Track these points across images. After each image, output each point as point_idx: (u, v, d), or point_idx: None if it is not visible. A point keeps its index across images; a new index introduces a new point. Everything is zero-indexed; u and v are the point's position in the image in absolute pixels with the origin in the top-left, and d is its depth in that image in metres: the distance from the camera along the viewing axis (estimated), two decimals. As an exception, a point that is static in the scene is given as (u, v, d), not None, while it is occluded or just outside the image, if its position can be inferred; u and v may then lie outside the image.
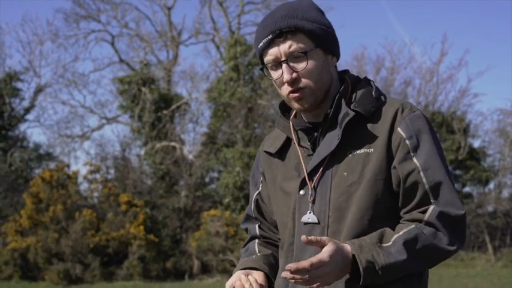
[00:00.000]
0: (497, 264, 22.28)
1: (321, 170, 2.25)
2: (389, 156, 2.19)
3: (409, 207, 2.18)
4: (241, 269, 2.35)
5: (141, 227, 20.85)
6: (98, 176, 23.22)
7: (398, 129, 2.19)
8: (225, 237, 20.87)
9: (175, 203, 23.29)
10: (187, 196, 23.59)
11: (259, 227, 2.53)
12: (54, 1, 42.01)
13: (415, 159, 2.17)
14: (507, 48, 41.63)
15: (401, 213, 2.21)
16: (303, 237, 2.03)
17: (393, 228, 2.17)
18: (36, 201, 20.85)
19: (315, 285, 2.05)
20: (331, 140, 2.24)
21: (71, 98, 35.23)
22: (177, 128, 26.63)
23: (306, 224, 2.24)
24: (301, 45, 2.21)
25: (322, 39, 2.24)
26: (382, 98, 2.28)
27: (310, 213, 2.24)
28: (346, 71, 2.39)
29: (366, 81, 2.34)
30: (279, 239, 2.41)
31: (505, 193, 25.67)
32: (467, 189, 25.40)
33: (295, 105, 2.27)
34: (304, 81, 2.22)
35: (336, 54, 2.32)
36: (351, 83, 2.32)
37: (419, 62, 37.56)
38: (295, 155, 2.35)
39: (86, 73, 33.59)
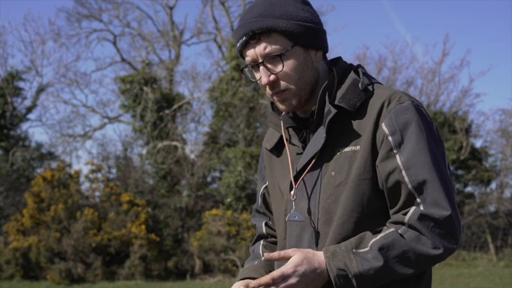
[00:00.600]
0: (499, 264, 22.26)
1: (306, 170, 2.17)
2: (374, 154, 2.07)
3: (395, 208, 2.07)
4: (242, 279, 2.29)
5: (143, 227, 20.86)
6: (99, 175, 23.23)
7: (382, 124, 2.05)
8: (226, 236, 20.86)
9: (177, 203, 23.29)
10: (189, 196, 23.59)
11: (265, 224, 2.48)
12: (56, 0, 42.04)
13: (397, 157, 2.03)
14: (509, 48, 41.61)
15: (390, 214, 2.10)
16: (265, 254, 2.02)
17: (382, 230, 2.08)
18: (38, 200, 20.85)
19: None
20: (318, 139, 2.15)
21: (72, 97, 35.34)
22: (178, 127, 26.63)
23: (299, 223, 2.18)
24: (276, 46, 2.11)
25: (301, 36, 2.12)
26: (370, 88, 2.14)
27: (295, 211, 2.18)
28: (338, 59, 2.28)
29: (355, 71, 2.21)
30: None
31: (507, 193, 25.66)
32: (469, 189, 25.39)
33: (280, 107, 2.20)
34: (283, 84, 2.13)
35: (321, 48, 2.20)
36: (339, 74, 2.20)
37: (421, 62, 37.60)
38: (290, 152, 2.28)
39: (88, 72, 33.66)
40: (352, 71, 2.20)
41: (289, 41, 2.11)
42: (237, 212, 22.05)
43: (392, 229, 2.02)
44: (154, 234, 21.25)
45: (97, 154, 27.17)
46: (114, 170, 26.01)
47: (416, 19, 43.35)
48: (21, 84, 27.21)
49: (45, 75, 41.33)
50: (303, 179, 2.17)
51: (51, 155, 27.20)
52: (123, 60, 29.57)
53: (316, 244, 2.13)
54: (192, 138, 27.46)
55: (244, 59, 2.21)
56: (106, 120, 28.73)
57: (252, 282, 1.97)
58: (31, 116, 28.12)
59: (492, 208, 25.01)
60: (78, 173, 22.15)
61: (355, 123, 2.10)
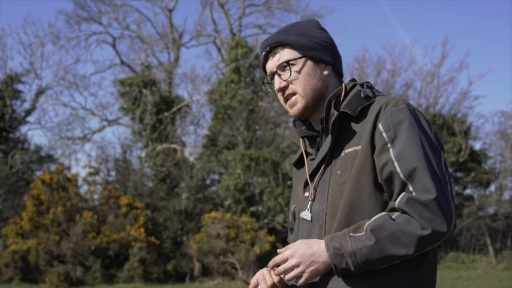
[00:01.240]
0: (499, 266, 22.26)
1: (320, 171, 2.40)
2: (372, 151, 2.28)
3: (393, 199, 2.23)
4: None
5: (142, 229, 20.84)
6: (97, 178, 23.22)
7: (379, 124, 2.27)
8: (226, 239, 20.85)
9: (176, 205, 23.27)
10: (188, 198, 23.58)
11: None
12: (56, 3, 42.05)
13: (391, 150, 2.23)
14: (508, 51, 41.65)
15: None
16: (278, 250, 2.29)
17: None
18: (37, 203, 20.83)
19: (293, 279, 2.23)
20: (326, 143, 2.38)
21: (72, 100, 35.21)
22: (178, 130, 26.62)
23: (303, 219, 2.43)
24: (287, 56, 2.42)
25: (309, 49, 2.42)
26: (373, 97, 2.37)
27: (307, 210, 2.41)
28: (352, 79, 2.52)
29: (361, 85, 2.45)
30: None
31: (506, 195, 25.66)
32: (468, 191, 25.38)
33: (290, 112, 2.49)
34: (291, 88, 2.43)
35: (331, 63, 2.46)
36: (347, 88, 2.44)
37: (420, 64, 37.62)
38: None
39: (87, 75, 33.63)
40: (358, 85, 2.45)
41: (298, 52, 2.42)
42: (236, 215, 22.04)
43: (384, 213, 2.20)
44: (154, 237, 21.23)
45: (96, 157, 27.17)
46: (113, 173, 25.99)
47: (415, 21, 43.39)
48: (20, 86, 27.20)
49: (44, 78, 41.33)
50: (314, 179, 2.41)
51: (50, 158, 27.17)
52: (122, 62, 29.57)
53: (324, 236, 2.33)
54: (191, 140, 27.48)
55: (266, 73, 2.52)
56: (105, 123, 28.72)
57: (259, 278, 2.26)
58: (30, 118, 28.04)
59: (491, 210, 25.01)
60: (76, 176, 22.13)
61: (357, 126, 2.33)
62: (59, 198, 20.75)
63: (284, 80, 2.42)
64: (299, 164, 2.58)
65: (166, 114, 25.95)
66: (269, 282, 2.43)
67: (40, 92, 27.94)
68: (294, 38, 2.42)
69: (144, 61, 28.49)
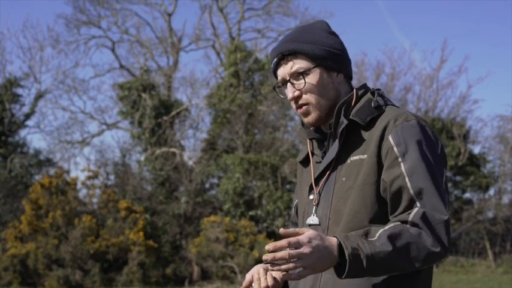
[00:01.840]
0: (498, 270, 22.25)
1: (325, 176, 2.43)
2: (378, 162, 2.30)
3: (396, 213, 2.27)
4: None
5: (141, 233, 20.83)
6: (96, 181, 23.21)
7: (389, 137, 2.30)
8: (225, 243, 20.84)
9: (175, 209, 23.26)
10: (187, 202, 23.57)
11: None
12: (55, 7, 42.11)
13: (402, 165, 2.26)
14: (507, 55, 41.70)
15: (390, 217, 2.29)
16: (281, 229, 2.14)
17: None
18: (36, 207, 20.82)
19: (295, 269, 2.09)
20: (334, 148, 2.41)
21: (71, 104, 35.16)
22: (177, 134, 26.62)
23: (310, 225, 2.43)
24: (300, 65, 2.42)
25: (322, 59, 2.42)
26: (384, 107, 2.40)
27: (313, 215, 2.43)
28: (363, 84, 2.54)
29: (372, 93, 2.48)
30: None
31: (505, 199, 25.67)
32: (467, 195, 25.38)
33: (304, 120, 2.49)
34: (305, 98, 2.44)
35: (343, 71, 2.49)
36: (358, 95, 2.46)
37: (419, 68, 37.67)
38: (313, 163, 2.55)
39: (86, 79, 33.54)
40: (369, 92, 2.48)
41: (312, 62, 2.42)
42: (235, 219, 22.03)
43: (398, 223, 2.21)
44: (153, 241, 21.21)
45: (95, 160, 27.16)
46: (112, 177, 25.99)
47: (414, 25, 43.45)
48: (19, 90, 27.19)
49: (43, 82, 41.35)
50: (318, 183, 2.44)
51: (49, 162, 27.15)
52: (121, 66, 29.57)
53: None
54: (190, 144, 27.48)
55: (277, 78, 2.52)
56: (104, 127, 28.72)
57: (269, 244, 2.08)
58: (29, 122, 27.98)
59: (490, 214, 25.01)
60: (75, 179, 22.12)
61: (365, 135, 2.36)
62: (58, 202, 20.73)
63: (297, 90, 2.44)
64: (305, 162, 2.60)
65: (165, 118, 25.95)
66: (263, 285, 2.42)
67: (39, 96, 27.94)
68: (307, 47, 2.42)
69: (143, 65, 28.49)
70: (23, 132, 28.22)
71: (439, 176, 2.28)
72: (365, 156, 2.32)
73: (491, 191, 25.76)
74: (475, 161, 25.02)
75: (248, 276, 2.48)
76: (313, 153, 2.55)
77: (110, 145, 44.73)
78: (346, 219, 2.31)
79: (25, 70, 28.61)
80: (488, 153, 26.14)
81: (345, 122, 2.36)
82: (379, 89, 2.49)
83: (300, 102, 2.45)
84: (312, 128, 2.56)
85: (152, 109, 25.66)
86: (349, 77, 2.53)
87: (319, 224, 2.39)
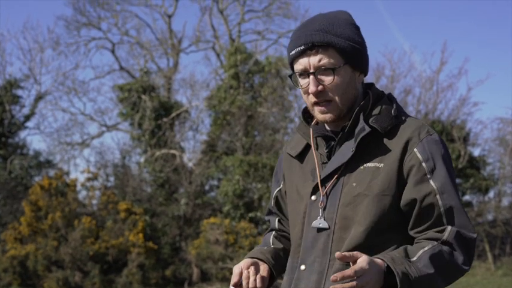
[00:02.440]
0: (497, 273, 22.25)
1: (334, 178, 2.36)
2: (399, 173, 2.28)
3: (422, 228, 2.27)
4: (250, 257, 2.52)
5: (141, 235, 20.82)
6: (96, 183, 23.22)
7: (415, 150, 2.28)
8: (224, 245, 20.84)
9: (174, 211, 23.26)
10: (187, 204, 23.57)
11: (278, 221, 2.68)
12: (55, 8, 42.13)
13: (431, 182, 2.25)
14: (507, 57, 41.70)
15: (411, 232, 2.30)
16: (337, 253, 2.11)
17: (396, 242, 2.28)
18: (35, 208, 20.82)
19: None
20: (345, 151, 2.35)
21: (71, 105, 35.10)
22: (177, 135, 26.62)
23: (317, 229, 2.36)
24: (330, 60, 2.31)
25: (352, 57, 2.34)
26: (402, 117, 2.37)
27: (321, 218, 2.35)
28: (371, 84, 2.49)
29: (389, 98, 2.43)
30: None
31: (505, 202, 25.65)
32: (467, 197, 25.36)
33: (320, 116, 2.38)
34: (328, 94, 2.34)
35: (364, 71, 2.44)
36: (373, 98, 2.41)
37: (419, 70, 37.59)
38: (312, 159, 2.47)
39: (86, 80, 33.39)
40: (386, 97, 2.43)
41: (342, 58, 2.33)
42: (234, 221, 22.02)
43: (435, 243, 2.23)
44: (152, 243, 21.21)
45: (95, 162, 27.16)
46: (112, 178, 25.99)
47: (414, 28, 43.43)
48: (19, 92, 27.19)
49: (43, 83, 41.30)
50: (325, 186, 2.37)
51: (49, 163, 27.15)
52: (121, 68, 29.56)
53: (331, 247, 2.32)
54: (190, 146, 27.47)
55: (291, 65, 2.41)
56: (104, 129, 28.70)
57: (335, 275, 2.07)
58: (29, 124, 27.96)
59: (490, 217, 25.01)
60: (74, 181, 22.13)
61: (383, 144, 2.32)
62: (58, 204, 20.73)
63: (322, 85, 2.33)
64: (301, 157, 2.52)
65: (165, 119, 25.95)
66: (251, 286, 2.45)
67: (39, 98, 27.94)
68: (341, 42, 2.32)
69: (143, 67, 28.48)
70: (22, 134, 28.26)
71: (458, 192, 2.32)
72: (381, 165, 2.29)
73: (491, 194, 25.76)
74: (474, 164, 25.01)
75: (236, 269, 2.50)
76: (318, 152, 2.47)
77: (109, 147, 44.84)
78: (359, 228, 2.27)
79: (25, 71, 28.62)
80: (488, 156, 26.14)
81: (367, 129, 2.30)
82: (390, 94, 2.46)
83: (322, 98, 2.34)
84: (313, 123, 2.49)
85: (152, 111, 25.66)
86: (365, 76, 2.49)
87: (329, 228, 2.34)
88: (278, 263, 2.53)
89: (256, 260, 2.51)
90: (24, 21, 39.72)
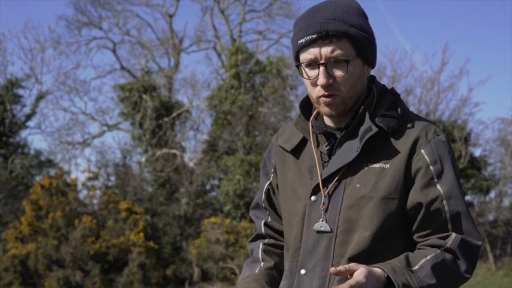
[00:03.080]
0: (498, 273, 22.23)
1: (336, 179, 2.23)
2: (406, 175, 2.18)
3: (425, 232, 2.19)
4: None
5: (141, 234, 20.83)
6: (97, 182, 23.22)
7: (422, 151, 2.18)
8: (225, 244, 20.84)
9: (175, 211, 23.27)
10: (188, 203, 23.57)
11: (265, 224, 2.50)
12: (56, 8, 42.15)
13: (438, 186, 2.17)
14: (508, 57, 41.72)
15: (415, 236, 2.22)
16: (332, 269, 2.05)
17: (401, 246, 2.20)
18: (36, 208, 20.83)
19: None
20: (349, 150, 2.22)
21: (72, 105, 35.02)
22: (177, 135, 26.63)
23: (318, 232, 2.23)
24: (344, 52, 2.17)
25: (364, 49, 2.22)
26: (408, 115, 2.26)
27: (322, 221, 2.23)
28: (373, 78, 2.35)
29: (393, 95, 2.31)
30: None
31: (506, 202, 25.63)
32: (468, 198, 25.35)
33: (324, 110, 2.23)
34: (337, 87, 2.19)
35: (372, 65, 2.30)
36: (377, 93, 2.28)
37: (421, 70, 37.58)
38: (310, 156, 2.31)
39: (87, 80, 33.46)
40: (390, 93, 2.30)
41: (354, 50, 2.19)
42: (235, 220, 22.03)
43: (438, 251, 2.15)
44: (153, 242, 21.22)
45: (96, 162, 27.17)
46: (113, 178, 26.00)
47: (415, 28, 43.42)
48: (20, 91, 27.19)
49: (44, 83, 41.19)
50: (327, 186, 2.23)
51: (50, 163, 27.16)
52: (122, 68, 29.56)
53: (333, 251, 2.21)
54: (191, 146, 27.47)
55: (297, 55, 2.24)
56: (105, 128, 28.70)
57: None
58: (30, 123, 27.96)
59: (491, 217, 25.00)
60: (75, 181, 22.14)
61: (389, 144, 2.20)
62: (58, 203, 20.75)
63: (333, 77, 2.17)
64: (296, 152, 2.36)
65: (166, 119, 25.96)
66: None
67: (40, 97, 27.94)
68: (355, 32, 2.17)
69: (144, 66, 28.49)
70: (23, 133, 28.25)
71: (464, 197, 2.24)
72: (387, 165, 2.18)
73: (492, 194, 25.75)
74: (475, 164, 25.00)
75: None
76: (318, 149, 2.32)
77: (110, 146, 44.75)
78: (365, 232, 2.17)
79: (26, 71, 28.57)
80: (489, 156, 26.13)
81: (375, 129, 2.18)
82: (392, 88, 2.35)
83: (331, 91, 2.18)
84: (313, 118, 2.34)
85: (153, 110, 25.67)
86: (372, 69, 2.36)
87: (331, 231, 2.21)
88: (274, 285, 2.38)
89: None
90: (25, 21, 39.81)
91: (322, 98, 2.20)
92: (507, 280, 20.61)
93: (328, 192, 2.23)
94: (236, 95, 25.01)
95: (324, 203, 2.23)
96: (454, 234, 2.15)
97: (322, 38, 2.16)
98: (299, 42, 2.20)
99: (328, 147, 2.28)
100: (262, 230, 2.50)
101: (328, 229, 2.21)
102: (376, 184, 2.17)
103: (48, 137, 32.69)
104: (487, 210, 24.87)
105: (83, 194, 23.40)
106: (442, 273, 2.11)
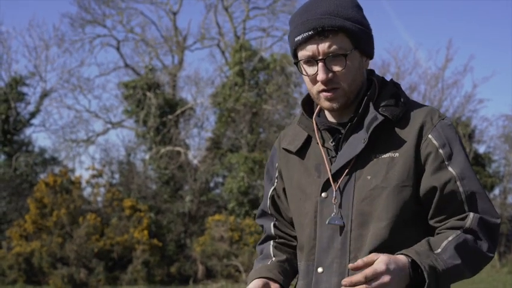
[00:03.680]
0: (503, 270, 22.21)
1: (345, 172, 2.20)
2: (417, 162, 2.16)
3: (443, 216, 2.16)
4: (259, 278, 2.31)
5: (145, 232, 20.85)
6: (101, 180, 23.25)
7: (430, 136, 2.17)
8: (229, 242, 20.85)
9: (179, 208, 23.28)
10: (192, 201, 23.59)
11: (274, 226, 2.48)
12: (60, 6, 42.20)
13: (450, 168, 2.15)
14: (512, 54, 41.58)
15: (432, 221, 2.18)
16: (350, 265, 2.00)
17: (418, 235, 2.15)
18: (41, 206, 20.87)
19: None
20: (356, 142, 2.20)
21: (76, 102, 35.31)
22: (181, 133, 26.64)
23: (332, 226, 2.19)
24: (341, 46, 2.16)
25: (361, 41, 2.20)
26: (410, 103, 2.25)
27: (336, 214, 2.20)
28: (371, 71, 2.34)
29: (394, 85, 2.30)
30: (295, 238, 2.38)
31: (510, 199, 25.62)
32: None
33: (326, 104, 2.22)
34: (337, 81, 2.17)
35: (370, 56, 2.29)
36: (378, 85, 2.28)
37: (425, 67, 37.56)
38: (315, 154, 2.29)
39: (91, 78, 33.59)
40: (391, 84, 2.30)
41: (351, 44, 2.18)
42: (239, 218, 22.04)
43: (459, 232, 2.11)
44: (157, 240, 21.24)
45: (100, 159, 27.20)
46: (117, 175, 26.03)
47: (419, 25, 43.39)
48: (24, 89, 27.26)
49: (48, 81, 41.39)
50: (337, 181, 2.21)
51: (54, 160, 27.21)
52: (126, 65, 29.58)
53: (349, 245, 2.17)
54: (195, 143, 27.50)
55: (295, 52, 2.24)
56: (109, 126, 28.74)
57: (344, 280, 1.97)
58: (34, 121, 28.06)
59: (495, 214, 25.00)
60: (79, 178, 22.17)
61: (395, 133, 2.19)
62: (63, 201, 20.78)
63: (332, 72, 2.16)
64: (299, 152, 2.34)
65: (170, 117, 25.97)
66: None
67: (44, 95, 27.99)
68: (351, 25, 2.16)
69: (148, 64, 28.52)
70: (28, 131, 28.33)
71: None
72: (396, 154, 2.17)
73: (496, 191, 25.74)
74: (480, 161, 24.99)
75: None
76: (323, 146, 2.29)
77: (114, 144, 44.71)
78: (381, 222, 2.14)
79: (30, 69, 28.66)
80: (493, 153, 26.12)
81: (380, 118, 2.17)
82: (392, 79, 2.33)
83: (331, 85, 2.17)
84: (316, 115, 2.31)
85: (157, 108, 25.68)
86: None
87: (344, 226, 2.18)
88: (287, 277, 2.35)
89: (265, 279, 2.29)
90: (29, 19, 39.80)
91: (323, 93, 2.19)
92: (511, 277, 20.58)
93: (339, 187, 2.20)
94: (240, 93, 25.01)
95: (335, 198, 2.20)
96: (472, 214, 2.12)
97: (319, 34, 2.15)
98: (296, 39, 2.20)
99: (333, 143, 2.26)
100: (272, 231, 2.48)
101: (342, 223, 2.18)
102: (387, 174, 2.15)
103: (53, 135, 32.84)
104: (491, 207, 24.86)
105: (87, 191, 23.46)
106: (465, 253, 2.08)
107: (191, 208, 23.41)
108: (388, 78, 2.38)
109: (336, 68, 2.16)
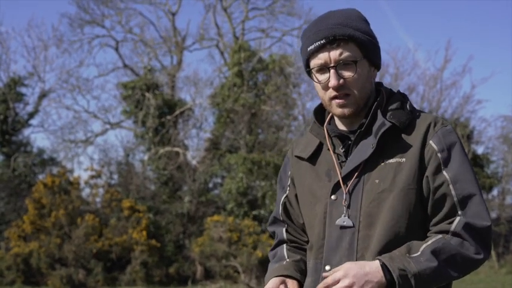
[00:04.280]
0: (501, 271, 22.22)
1: (355, 176, 2.33)
2: (421, 166, 2.29)
3: (436, 219, 2.28)
4: (276, 276, 2.45)
5: (144, 233, 20.84)
6: (99, 181, 23.23)
7: (431, 142, 2.30)
8: (228, 242, 20.84)
9: (178, 209, 23.28)
10: (191, 201, 23.59)
11: (286, 230, 2.60)
12: (59, 6, 42.18)
13: (444, 172, 2.27)
14: (511, 55, 41.62)
15: (430, 225, 2.30)
16: (324, 274, 2.21)
17: (423, 238, 2.26)
18: (39, 206, 20.85)
19: None
20: (365, 148, 2.33)
21: (74, 103, 35.17)
22: (180, 133, 26.64)
23: (341, 227, 2.33)
24: (351, 53, 2.30)
25: (370, 51, 2.35)
26: (416, 112, 2.39)
27: (345, 216, 2.33)
28: (380, 83, 2.48)
29: (401, 95, 2.44)
30: (306, 242, 2.50)
31: (509, 200, 25.64)
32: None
33: (338, 111, 2.36)
34: (349, 88, 2.32)
35: (378, 67, 2.43)
36: (386, 95, 2.41)
37: (423, 68, 37.63)
38: (326, 160, 2.43)
39: (90, 78, 33.45)
40: (398, 94, 2.44)
41: (360, 52, 2.33)
42: (238, 218, 22.03)
43: (439, 236, 2.24)
44: (156, 240, 21.23)
45: (98, 160, 27.18)
46: (115, 176, 26.01)
47: (418, 26, 43.40)
48: (23, 89, 27.21)
49: (47, 81, 41.30)
50: (347, 184, 2.34)
51: (52, 161, 27.17)
52: (125, 66, 29.57)
53: (357, 245, 2.31)
54: (193, 144, 27.48)
55: (308, 61, 2.38)
56: (108, 126, 28.71)
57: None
58: (33, 121, 28.03)
59: (494, 215, 24.97)
60: (77, 179, 22.15)
61: (402, 139, 2.33)
62: (61, 201, 20.76)
63: (343, 78, 2.30)
64: (311, 159, 2.48)
65: (168, 117, 25.96)
66: None
67: (43, 95, 27.96)
68: (360, 35, 2.32)
69: (147, 64, 28.50)
70: (26, 131, 28.28)
71: (477, 181, 2.33)
72: (403, 159, 2.29)
73: (495, 192, 25.75)
74: (478, 162, 24.99)
75: None
76: (334, 152, 2.43)
77: (113, 144, 44.75)
78: (388, 224, 2.26)
79: (29, 69, 28.60)
80: (491, 154, 26.12)
81: (388, 124, 2.30)
82: (399, 91, 2.48)
83: (342, 92, 2.31)
84: (327, 123, 2.46)
85: (156, 108, 25.68)
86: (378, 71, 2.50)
87: (353, 226, 2.31)
88: (303, 274, 2.48)
89: (283, 278, 2.45)
90: (28, 19, 39.86)
91: (335, 100, 2.33)
92: (510, 278, 20.59)
93: (348, 190, 2.33)
94: (239, 93, 25.00)
95: (345, 199, 2.33)
96: (458, 218, 2.23)
97: (330, 43, 2.30)
98: (308, 49, 2.35)
99: (343, 149, 2.40)
100: (284, 235, 2.61)
101: (351, 224, 2.31)
102: (394, 178, 2.28)
103: (51, 135, 32.64)
104: (490, 208, 24.84)
105: (85, 192, 23.44)
106: (444, 256, 2.19)
107: (190, 209, 23.41)
108: (387, 79, 2.48)
109: (347, 74, 2.31)
